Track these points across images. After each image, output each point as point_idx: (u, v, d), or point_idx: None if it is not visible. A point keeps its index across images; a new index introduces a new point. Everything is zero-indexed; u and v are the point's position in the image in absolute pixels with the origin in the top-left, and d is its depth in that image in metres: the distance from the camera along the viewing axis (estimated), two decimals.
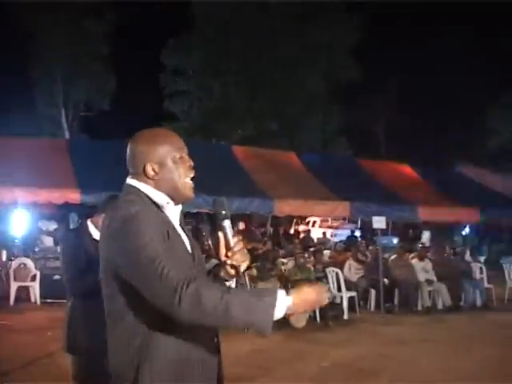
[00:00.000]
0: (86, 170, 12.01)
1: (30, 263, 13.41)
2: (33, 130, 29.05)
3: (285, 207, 12.63)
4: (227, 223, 2.56)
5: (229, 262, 2.53)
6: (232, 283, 2.62)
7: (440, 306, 13.86)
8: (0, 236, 14.20)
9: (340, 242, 20.74)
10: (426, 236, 22.00)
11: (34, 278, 13.15)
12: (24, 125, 28.44)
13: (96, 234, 4.22)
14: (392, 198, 14.11)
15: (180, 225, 2.57)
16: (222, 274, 2.58)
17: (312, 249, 16.54)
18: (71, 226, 21.78)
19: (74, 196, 11.19)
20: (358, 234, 25.05)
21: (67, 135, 31.11)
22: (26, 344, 9.12)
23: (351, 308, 12.74)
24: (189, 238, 2.56)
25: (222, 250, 2.54)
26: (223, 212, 2.57)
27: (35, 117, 31.08)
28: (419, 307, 13.58)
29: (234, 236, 2.55)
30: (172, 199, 2.52)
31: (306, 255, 14.68)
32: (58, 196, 11.34)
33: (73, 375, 4.17)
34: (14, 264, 13.20)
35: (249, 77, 27.98)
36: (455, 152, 32.25)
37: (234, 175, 13.70)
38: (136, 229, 2.27)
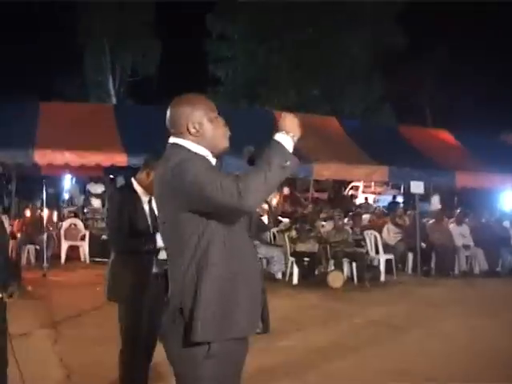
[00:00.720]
0: (132, 134, 12.38)
1: (79, 224, 14.00)
2: (81, 95, 29.75)
3: (324, 171, 12.85)
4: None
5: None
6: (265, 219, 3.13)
7: (477, 270, 14.06)
8: (51, 197, 14.78)
9: (378, 206, 20.92)
10: (435, 200, 21.75)
11: (83, 238, 13.75)
12: (72, 90, 29.18)
13: (140, 191, 4.63)
14: (430, 163, 14.18)
15: None
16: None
17: (351, 213, 16.83)
18: None
19: (121, 158, 11.60)
20: (400, 199, 25.22)
21: (114, 100, 31.61)
22: (77, 297, 9.70)
23: (389, 271, 13.02)
24: None
25: None
26: (253, 159, 2.92)
27: (83, 82, 31.68)
28: (456, 271, 13.81)
29: None
30: (211, 152, 2.94)
31: (346, 219, 15.03)
32: (106, 158, 11.76)
33: (118, 318, 4.62)
34: (65, 224, 13.78)
35: (292, 43, 28.01)
36: (502, 120, 31.85)
37: None
38: (189, 165, 2.72)
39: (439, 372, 6.35)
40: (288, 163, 2.72)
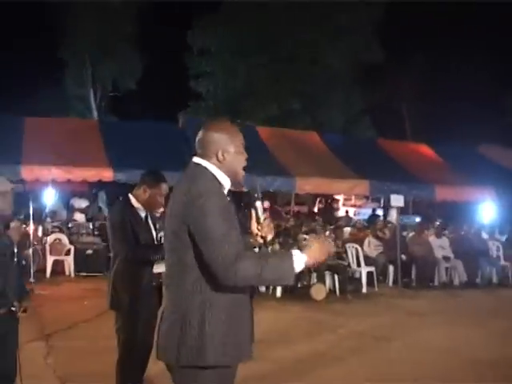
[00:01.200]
0: (118, 150, 12.58)
1: (64, 238, 14.07)
2: (62, 109, 29.75)
3: (306, 185, 13.12)
4: (259, 204, 3.29)
5: (259, 233, 3.28)
6: (257, 249, 3.33)
7: (456, 282, 14.33)
8: (36, 213, 14.85)
9: (359, 220, 21.17)
10: (392, 215, 22.01)
11: (68, 253, 13.79)
12: (53, 105, 29.18)
13: (137, 206, 4.83)
14: (410, 177, 14.53)
15: None
16: (252, 241, 3.30)
17: (332, 226, 17.04)
18: (100, 204, 22.49)
19: (108, 174, 11.79)
20: (380, 212, 25.49)
21: (95, 114, 31.70)
22: (66, 311, 9.81)
23: (370, 283, 13.24)
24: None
25: (254, 224, 3.29)
26: (256, 195, 3.30)
27: (64, 97, 31.69)
28: (436, 283, 14.07)
29: (263, 213, 3.30)
30: (229, 180, 3.19)
31: (328, 232, 15.25)
32: (92, 174, 11.96)
33: (116, 329, 4.80)
34: (50, 239, 13.86)
35: (272, 58, 28.31)
36: (479, 131, 32.28)
37: (258, 155, 14.21)
38: (211, 205, 2.93)
39: (424, 378, 6.58)
40: (284, 281, 3.03)
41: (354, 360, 7.37)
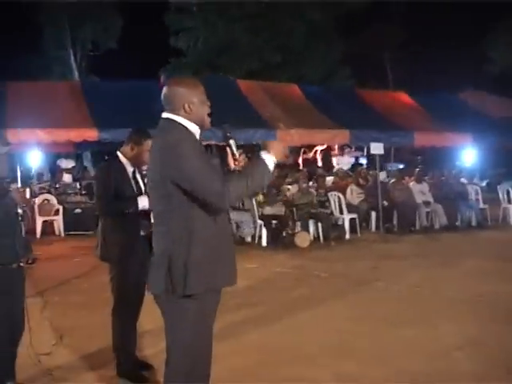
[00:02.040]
0: (101, 109, 12.73)
1: (52, 199, 14.30)
2: (42, 72, 29.61)
3: (287, 137, 13.31)
4: (232, 141, 3.64)
5: (236, 167, 3.65)
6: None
7: (437, 225, 14.74)
8: (23, 175, 15.04)
9: (341, 168, 21.42)
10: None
11: (57, 213, 14.07)
12: (34, 68, 29.03)
13: (125, 162, 5.11)
14: (389, 124, 14.78)
15: None
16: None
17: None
18: (85, 163, 22.68)
19: (92, 134, 11.97)
20: (364, 161, 25.81)
21: (76, 75, 31.56)
22: (56, 269, 10.12)
23: (353, 229, 13.68)
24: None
25: (231, 160, 3.67)
26: (228, 134, 3.63)
27: (44, 60, 31.47)
28: (417, 227, 14.45)
29: (237, 150, 3.67)
30: (199, 128, 3.50)
31: (311, 182, 15.56)
32: (77, 134, 12.13)
33: (110, 279, 5.12)
34: (38, 200, 14.08)
35: (251, 12, 28.24)
36: (459, 78, 32.43)
37: (239, 108, 14.41)
38: (186, 151, 3.28)
39: (399, 316, 6.96)
40: (266, 182, 3.46)
41: (337, 301, 7.74)
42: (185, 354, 3.46)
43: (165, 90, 3.53)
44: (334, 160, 26.17)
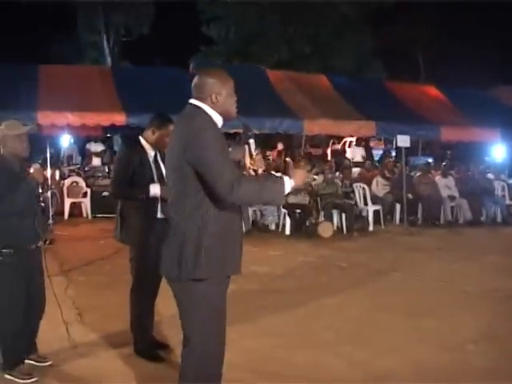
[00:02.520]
0: (129, 94, 12.89)
1: (81, 181, 14.51)
2: (76, 56, 29.97)
3: (313, 127, 13.37)
4: (252, 141, 3.82)
5: (251, 167, 3.87)
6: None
7: (461, 220, 14.65)
8: (53, 158, 15.25)
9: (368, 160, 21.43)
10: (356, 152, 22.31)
11: (85, 195, 14.27)
12: (67, 52, 29.39)
13: (147, 147, 5.25)
14: (416, 118, 14.76)
15: None
16: (245, 174, 3.89)
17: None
18: (115, 147, 22.87)
19: (120, 118, 12.14)
20: (393, 153, 25.77)
21: (109, 60, 31.87)
22: (83, 250, 10.36)
23: (377, 221, 13.67)
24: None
25: (247, 159, 3.85)
26: (249, 133, 3.86)
27: (78, 44, 31.84)
28: (441, 221, 14.40)
29: (255, 150, 3.84)
30: (222, 118, 3.66)
31: (337, 173, 15.59)
32: (105, 119, 12.31)
33: (129, 259, 5.27)
34: (67, 182, 14.30)
35: (282, 2, 28.27)
36: (490, 74, 32.12)
37: (267, 97, 14.47)
38: (208, 138, 3.44)
39: (416, 307, 7.04)
40: (276, 200, 3.71)
41: (355, 290, 7.82)
42: (199, 335, 3.59)
43: (196, 78, 3.69)
44: (349, 151, 26.13)
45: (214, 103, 3.61)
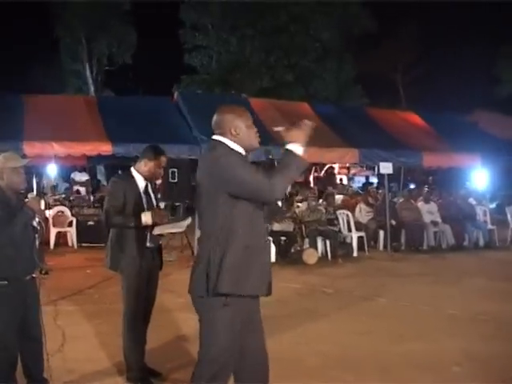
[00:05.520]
0: (115, 124, 12.98)
1: (66, 211, 14.55)
2: (58, 85, 30.00)
3: None
4: (276, 163, 4.03)
5: None
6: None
7: (444, 245, 14.83)
8: (38, 187, 15.28)
9: (351, 187, 21.64)
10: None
11: (70, 224, 14.31)
12: (50, 81, 29.41)
13: (138, 178, 5.37)
14: (398, 144, 14.95)
15: None
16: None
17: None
18: (98, 177, 22.94)
19: (106, 148, 12.21)
20: (374, 180, 26.01)
21: (92, 89, 31.94)
22: (70, 279, 10.36)
23: (361, 247, 13.80)
24: None
25: None
26: (270, 156, 4.32)
27: (60, 73, 31.85)
28: (425, 247, 14.55)
29: None
30: (244, 149, 3.85)
31: (321, 200, 15.75)
32: (92, 148, 12.38)
33: (121, 287, 5.35)
34: (53, 212, 14.31)
35: (265, 30, 28.63)
36: (470, 99, 32.54)
37: None
38: (231, 160, 3.68)
39: (401, 332, 7.16)
40: (301, 168, 3.78)
41: (341, 316, 7.94)
42: (213, 360, 3.75)
43: (215, 116, 3.92)
44: (346, 179, 26.39)
45: (233, 136, 3.83)
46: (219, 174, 3.65)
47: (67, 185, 19.27)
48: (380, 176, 26.05)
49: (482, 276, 10.97)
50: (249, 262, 3.70)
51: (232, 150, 3.79)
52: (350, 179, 29.08)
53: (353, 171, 31.30)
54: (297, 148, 3.71)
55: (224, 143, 3.81)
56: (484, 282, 10.46)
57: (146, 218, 5.20)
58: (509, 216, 16.00)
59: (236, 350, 3.81)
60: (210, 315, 3.73)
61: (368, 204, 15.41)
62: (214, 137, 3.88)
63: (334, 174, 28.59)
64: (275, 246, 12.53)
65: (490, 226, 15.73)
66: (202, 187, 3.81)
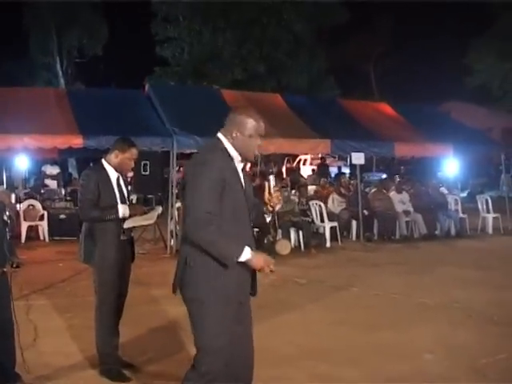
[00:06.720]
0: (86, 116, 12.85)
1: (37, 204, 14.42)
2: (28, 78, 29.69)
3: (269, 146, 13.40)
4: (272, 177, 4.22)
5: (269, 203, 4.25)
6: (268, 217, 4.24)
7: (416, 234, 14.92)
8: (9, 180, 15.16)
9: (323, 178, 21.69)
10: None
11: (42, 218, 14.19)
12: (20, 75, 29.09)
13: (109, 169, 5.34)
14: (370, 135, 14.99)
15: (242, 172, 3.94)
16: (264, 209, 4.15)
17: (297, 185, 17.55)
18: (70, 170, 22.76)
19: (77, 141, 12.08)
20: (347, 170, 26.14)
21: (62, 82, 31.64)
22: (42, 273, 10.26)
23: (334, 238, 13.85)
24: (245, 181, 3.92)
25: (266, 195, 3.98)
26: (270, 170, 4.11)
27: (30, 66, 31.51)
28: (397, 236, 14.67)
29: (274, 186, 4.20)
30: (240, 156, 3.85)
31: (293, 191, 15.78)
32: (63, 141, 12.24)
33: (93, 280, 5.32)
34: (23, 205, 14.19)
35: (237, 22, 28.58)
36: (442, 89, 32.84)
37: (222, 117, 14.51)
38: (204, 172, 3.64)
39: (373, 320, 7.23)
40: (222, 258, 3.63)
41: (313, 306, 7.99)
42: (204, 355, 3.79)
43: (230, 113, 3.92)
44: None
45: (233, 139, 3.82)
46: (193, 177, 3.67)
47: (38, 178, 19.09)
48: (352, 166, 26.33)
49: (453, 264, 11.09)
50: (221, 269, 3.70)
51: (224, 153, 3.78)
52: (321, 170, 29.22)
53: (327, 162, 31.50)
54: (246, 256, 3.65)
55: (222, 143, 3.82)
56: (456, 270, 10.56)
57: (124, 210, 5.19)
58: (479, 205, 16.18)
59: (226, 343, 3.83)
60: (193, 311, 3.78)
61: (340, 194, 15.45)
62: (219, 133, 3.88)
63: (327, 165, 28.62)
64: None
65: (461, 215, 15.86)
66: (187, 180, 3.78)
